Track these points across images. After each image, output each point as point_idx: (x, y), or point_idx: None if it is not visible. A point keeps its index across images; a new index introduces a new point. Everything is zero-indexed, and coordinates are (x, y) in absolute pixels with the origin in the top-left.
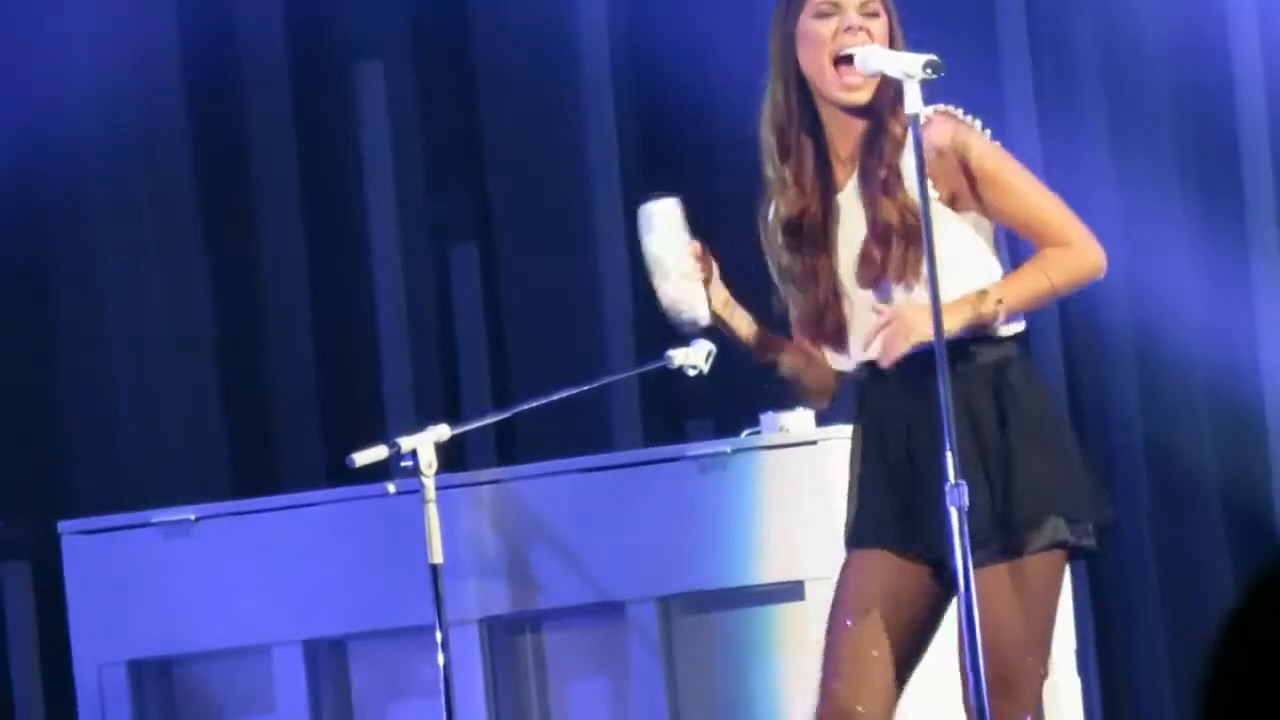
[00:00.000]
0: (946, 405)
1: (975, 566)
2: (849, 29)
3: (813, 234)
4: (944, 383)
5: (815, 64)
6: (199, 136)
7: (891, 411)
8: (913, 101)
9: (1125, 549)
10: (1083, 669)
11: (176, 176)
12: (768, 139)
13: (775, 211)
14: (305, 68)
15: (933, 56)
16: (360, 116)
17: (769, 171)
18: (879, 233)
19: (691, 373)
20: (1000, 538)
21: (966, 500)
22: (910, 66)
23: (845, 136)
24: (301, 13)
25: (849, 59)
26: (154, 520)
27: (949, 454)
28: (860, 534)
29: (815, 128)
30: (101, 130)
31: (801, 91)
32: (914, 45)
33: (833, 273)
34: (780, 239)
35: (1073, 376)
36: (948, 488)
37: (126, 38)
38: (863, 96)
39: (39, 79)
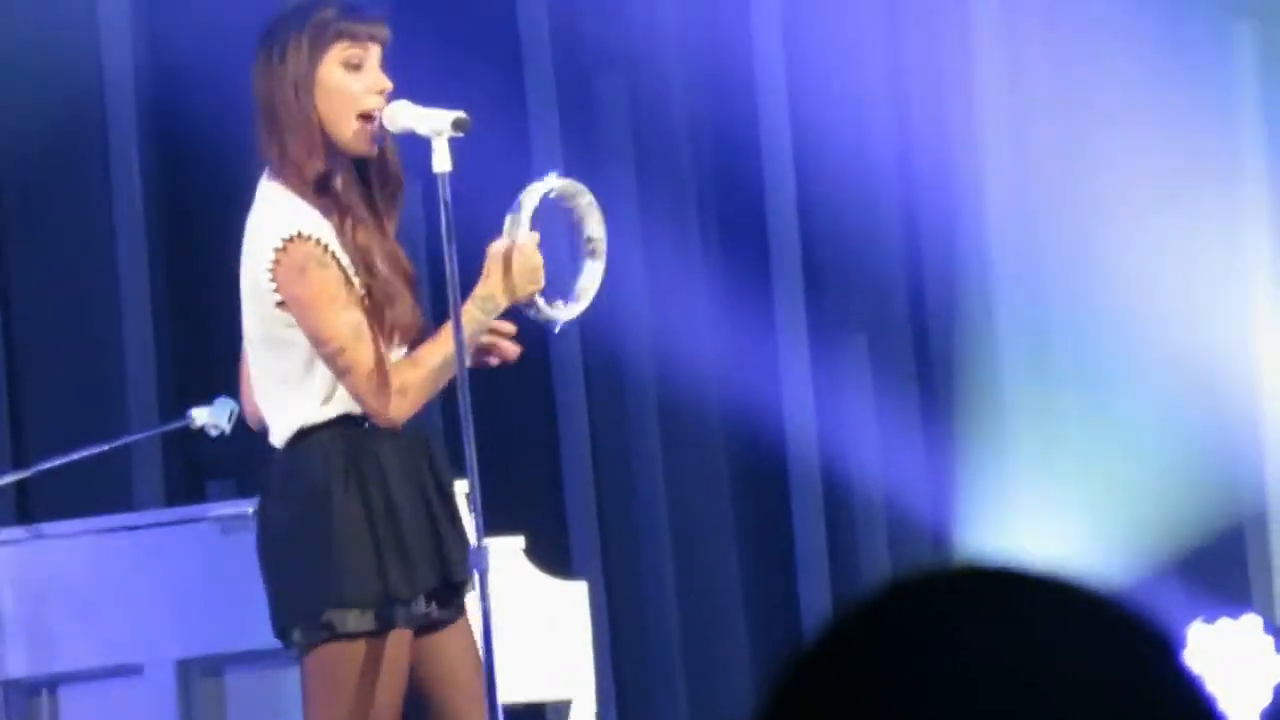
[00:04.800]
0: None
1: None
2: (381, 92)
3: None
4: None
5: (339, 115)
6: None
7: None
8: (441, 160)
9: (647, 591)
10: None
11: None
12: (307, 171)
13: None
14: None
15: (461, 114)
16: None
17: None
18: (411, 279)
19: (213, 433)
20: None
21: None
22: (439, 124)
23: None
24: None
25: (372, 114)
26: None
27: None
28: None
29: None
30: None
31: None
32: (443, 105)
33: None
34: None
35: (595, 428)
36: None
37: None
38: (374, 149)
39: None
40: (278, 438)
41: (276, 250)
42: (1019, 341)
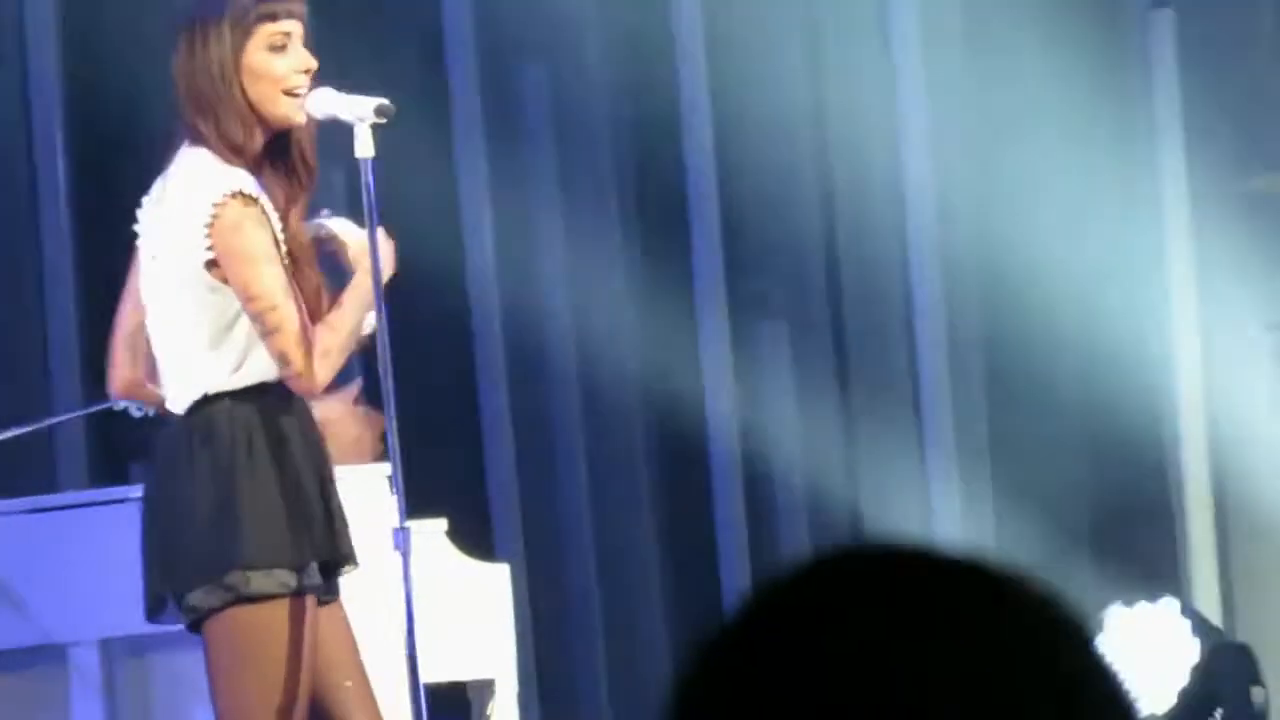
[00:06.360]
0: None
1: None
2: (307, 70)
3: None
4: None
5: (266, 95)
6: None
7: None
8: (364, 146)
9: (568, 573)
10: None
11: None
12: (243, 147)
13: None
14: None
15: (384, 101)
16: None
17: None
18: (315, 256)
19: (137, 414)
20: None
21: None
22: (362, 110)
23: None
24: None
25: (296, 92)
26: None
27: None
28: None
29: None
30: None
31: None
32: (366, 90)
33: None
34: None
35: (517, 412)
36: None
37: None
38: (304, 116)
39: None
40: (179, 404)
41: (216, 205)
42: (936, 326)
